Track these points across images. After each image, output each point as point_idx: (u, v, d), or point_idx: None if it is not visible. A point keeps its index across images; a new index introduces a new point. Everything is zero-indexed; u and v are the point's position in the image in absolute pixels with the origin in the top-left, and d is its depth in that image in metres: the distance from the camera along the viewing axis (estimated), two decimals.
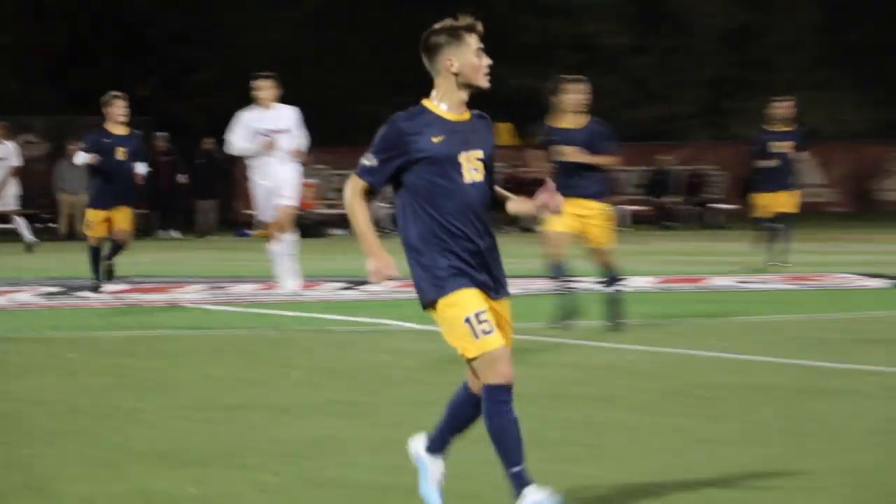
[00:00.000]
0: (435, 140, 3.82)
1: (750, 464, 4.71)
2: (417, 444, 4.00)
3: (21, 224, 20.88)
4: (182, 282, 13.88)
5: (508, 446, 3.72)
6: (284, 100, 12.12)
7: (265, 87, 11.90)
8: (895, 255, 17.59)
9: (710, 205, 30.34)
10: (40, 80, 32.74)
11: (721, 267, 15.94)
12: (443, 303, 3.75)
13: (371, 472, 4.67)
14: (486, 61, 3.89)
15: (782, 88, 22.66)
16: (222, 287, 13.40)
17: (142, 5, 33.61)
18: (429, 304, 3.81)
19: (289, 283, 11.87)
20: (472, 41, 3.86)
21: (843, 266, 15.76)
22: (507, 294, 3.93)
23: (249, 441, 5.30)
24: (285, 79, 12.44)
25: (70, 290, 12.93)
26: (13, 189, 20.99)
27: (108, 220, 12.32)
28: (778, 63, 35.85)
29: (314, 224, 25.69)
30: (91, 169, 12.56)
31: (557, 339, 8.94)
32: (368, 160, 3.89)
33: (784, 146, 15.61)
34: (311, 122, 12.62)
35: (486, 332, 3.70)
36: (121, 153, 12.34)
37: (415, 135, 3.83)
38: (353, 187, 3.94)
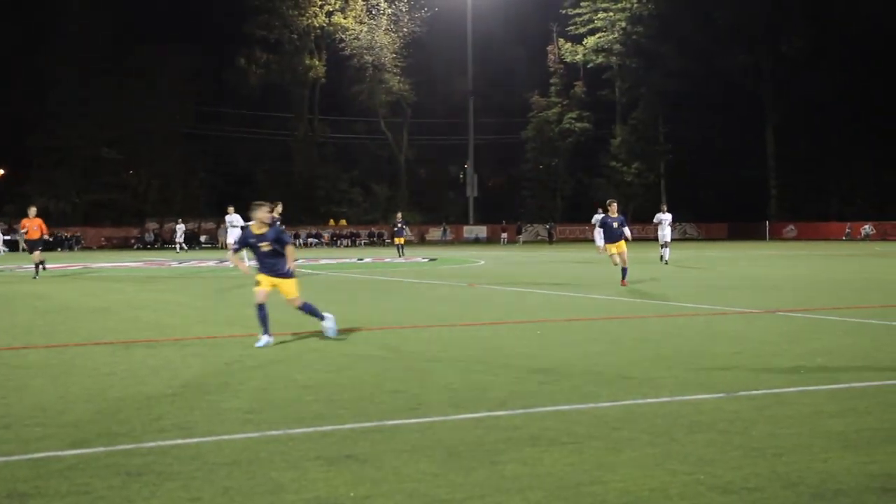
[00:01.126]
0: (253, 238, 11.82)
1: None
2: (326, 323, 12.02)
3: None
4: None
5: (313, 312, 12.04)
6: None
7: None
8: None
9: None
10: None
11: None
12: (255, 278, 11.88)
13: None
14: (270, 215, 11.96)
15: None
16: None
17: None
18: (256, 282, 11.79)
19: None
20: (265, 209, 11.86)
21: None
22: (284, 277, 11.80)
23: None
24: None
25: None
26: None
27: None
28: None
29: None
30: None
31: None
32: (236, 242, 12.57)
33: None
34: None
35: (256, 285, 11.74)
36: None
37: (247, 236, 11.90)
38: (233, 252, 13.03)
